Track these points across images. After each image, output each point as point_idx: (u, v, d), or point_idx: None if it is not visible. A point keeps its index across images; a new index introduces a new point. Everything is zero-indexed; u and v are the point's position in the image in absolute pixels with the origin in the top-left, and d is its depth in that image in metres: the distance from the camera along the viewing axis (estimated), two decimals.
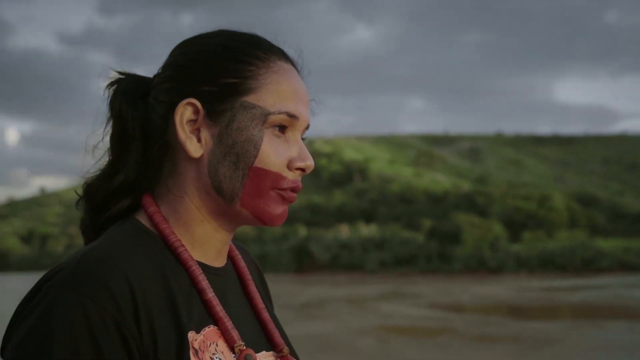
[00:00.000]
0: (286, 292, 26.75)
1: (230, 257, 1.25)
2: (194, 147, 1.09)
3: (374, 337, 13.93)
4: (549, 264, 38.14)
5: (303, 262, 41.90)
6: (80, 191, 1.18)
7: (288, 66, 1.16)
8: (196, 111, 1.09)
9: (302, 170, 1.14)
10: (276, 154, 1.10)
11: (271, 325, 1.22)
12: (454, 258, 39.09)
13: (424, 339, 13.82)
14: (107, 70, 1.17)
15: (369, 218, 51.16)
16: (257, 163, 1.08)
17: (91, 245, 1.03)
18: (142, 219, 1.12)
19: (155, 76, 1.16)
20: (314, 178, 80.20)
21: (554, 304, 20.77)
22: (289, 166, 1.12)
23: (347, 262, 40.57)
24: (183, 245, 1.11)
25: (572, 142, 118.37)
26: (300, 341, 13.13)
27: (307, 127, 1.17)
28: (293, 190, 1.14)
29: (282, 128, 1.11)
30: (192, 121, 1.09)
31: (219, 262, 1.19)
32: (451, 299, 22.51)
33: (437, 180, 71.92)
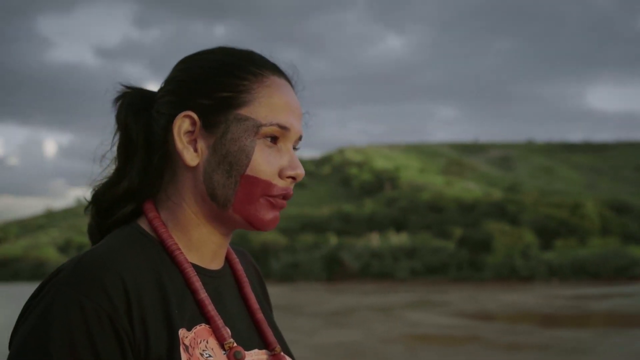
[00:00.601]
0: (315, 301, 26.79)
1: (228, 260, 1.33)
2: (191, 156, 1.17)
3: (402, 345, 13.92)
4: (582, 272, 37.81)
5: (334, 270, 41.90)
6: (88, 197, 1.26)
7: (281, 81, 1.23)
8: (193, 123, 1.17)
9: (293, 178, 1.21)
10: (267, 163, 1.17)
11: (265, 325, 1.29)
12: (485, 266, 38.88)
13: (452, 347, 13.79)
14: (116, 85, 1.25)
15: (399, 227, 51.00)
16: (249, 171, 1.16)
17: (91, 248, 1.12)
18: (143, 224, 1.20)
19: (159, 90, 1.25)
20: (345, 187, 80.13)
21: (584, 312, 20.57)
22: (280, 175, 1.19)
23: (377, 270, 40.50)
24: (179, 249, 1.17)
25: (605, 149, 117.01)
26: (328, 349, 13.19)
27: (300, 138, 1.25)
28: (283, 197, 1.21)
29: (274, 139, 1.19)
30: (190, 132, 1.18)
31: (215, 264, 1.26)
32: (480, 308, 22.40)
33: (468, 188, 71.54)
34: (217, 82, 1.19)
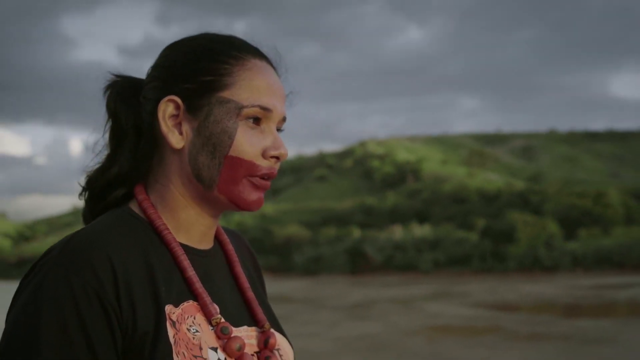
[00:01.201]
0: (337, 294, 26.81)
1: (219, 241, 1.37)
2: (176, 139, 1.21)
3: (423, 337, 13.98)
4: (606, 262, 37.56)
5: (357, 263, 41.92)
6: (82, 182, 1.30)
7: (262, 63, 1.26)
8: (177, 107, 1.21)
9: (277, 158, 1.24)
10: (250, 143, 1.20)
11: (255, 304, 1.32)
12: (508, 257, 38.72)
13: (474, 338, 13.80)
14: (106, 74, 1.29)
15: (422, 218, 50.88)
16: (232, 152, 1.19)
17: (81, 229, 1.16)
18: (134, 206, 1.24)
19: (146, 77, 1.28)
20: (367, 180, 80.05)
21: (608, 302, 20.39)
22: (264, 155, 1.22)
23: (401, 262, 40.43)
24: (168, 229, 1.21)
25: (628, 137, 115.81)
26: (350, 342, 13.28)
27: (284, 120, 1.28)
28: (268, 177, 1.24)
29: (257, 120, 1.22)
30: (174, 116, 1.21)
31: (204, 244, 1.29)
32: (502, 298, 22.32)
33: (490, 179, 71.16)
34: (199, 66, 1.22)
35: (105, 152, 1.29)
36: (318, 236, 48.33)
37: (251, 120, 1.22)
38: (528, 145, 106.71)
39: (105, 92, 1.29)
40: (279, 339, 1.35)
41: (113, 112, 1.27)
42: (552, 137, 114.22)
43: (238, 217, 63.81)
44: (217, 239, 1.37)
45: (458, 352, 12.09)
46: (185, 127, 1.21)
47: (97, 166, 1.29)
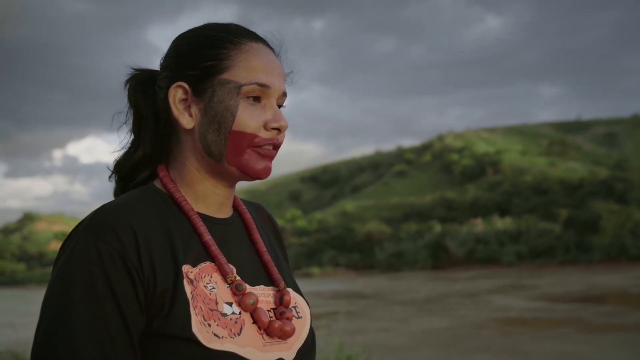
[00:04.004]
0: (414, 288, 26.87)
1: (238, 211, 1.49)
2: (186, 120, 1.34)
3: (497, 330, 13.98)
4: None
5: (439, 258, 41.89)
6: (111, 167, 1.44)
7: (259, 45, 1.37)
8: (185, 92, 1.33)
9: (278, 129, 1.34)
10: (251, 118, 1.31)
11: (271, 265, 1.43)
12: (593, 247, 38.10)
13: (547, 330, 13.68)
14: (128, 69, 1.42)
15: (503, 211, 50.41)
16: (235, 127, 1.31)
17: (107, 202, 1.29)
18: (157, 183, 1.38)
19: (159, 68, 1.41)
20: (446, 174, 79.60)
21: None
22: (265, 127, 1.33)
23: (483, 256, 40.16)
24: (186, 200, 1.34)
25: None
26: (425, 335, 13.42)
27: (285, 95, 1.38)
28: (273, 147, 1.35)
29: (257, 98, 1.33)
30: (184, 100, 1.34)
31: (222, 213, 1.41)
32: (583, 290, 22.04)
33: (572, 168, 69.87)
34: (201, 54, 1.34)
35: (130, 138, 1.43)
36: (399, 232, 48.43)
37: (252, 99, 1.32)
38: (611, 132, 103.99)
39: (125, 85, 1.42)
40: (296, 297, 1.46)
41: (133, 102, 1.40)
42: (636, 123, 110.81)
43: (319, 215, 64.41)
44: (237, 209, 1.49)
45: (530, 345, 12.02)
46: (194, 109, 1.34)
47: (124, 151, 1.42)
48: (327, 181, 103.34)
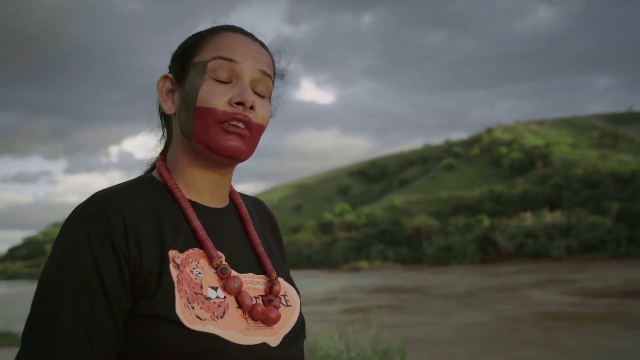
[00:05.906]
0: (455, 282, 26.82)
1: (235, 203, 1.53)
2: (168, 106, 1.43)
3: (538, 325, 13.93)
4: None
5: (488, 252, 41.65)
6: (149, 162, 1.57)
7: (234, 34, 1.42)
8: (171, 82, 1.44)
9: (241, 104, 1.35)
10: (216, 94, 1.34)
11: (264, 256, 1.46)
12: None
13: (587, 325, 13.60)
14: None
15: (553, 204, 49.85)
16: (199, 103, 1.35)
17: (101, 189, 1.34)
18: (155, 173, 1.46)
19: None
20: (495, 167, 78.83)
21: None
22: (230, 102, 1.35)
23: (532, 250, 39.81)
24: (178, 187, 1.39)
25: None
26: (466, 329, 13.48)
27: (262, 81, 1.41)
28: (239, 121, 1.35)
29: (228, 81, 1.37)
30: (171, 91, 1.44)
31: (215, 203, 1.46)
32: (629, 284, 21.73)
33: (624, 160, 68.71)
34: (182, 48, 1.45)
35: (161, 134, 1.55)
36: (447, 226, 48.29)
37: (224, 77, 1.37)
38: None
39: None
40: (286, 287, 1.49)
41: (157, 101, 1.50)
42: None
43: (367, 209, 64.50)
44: (234, 201, 1.53)
45: (572, 340, 11.96)
46: (176, 96, 1.42)
47: (156, 147, 1.55)
48: (375, 175, 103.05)
